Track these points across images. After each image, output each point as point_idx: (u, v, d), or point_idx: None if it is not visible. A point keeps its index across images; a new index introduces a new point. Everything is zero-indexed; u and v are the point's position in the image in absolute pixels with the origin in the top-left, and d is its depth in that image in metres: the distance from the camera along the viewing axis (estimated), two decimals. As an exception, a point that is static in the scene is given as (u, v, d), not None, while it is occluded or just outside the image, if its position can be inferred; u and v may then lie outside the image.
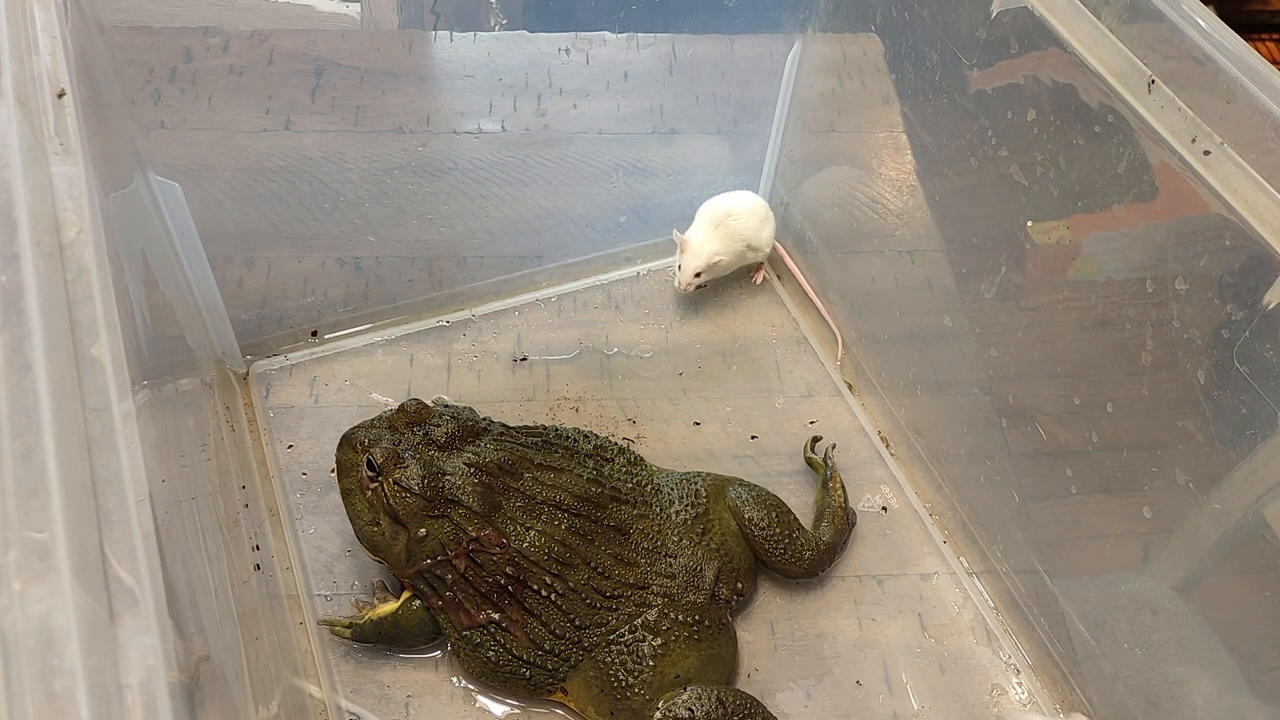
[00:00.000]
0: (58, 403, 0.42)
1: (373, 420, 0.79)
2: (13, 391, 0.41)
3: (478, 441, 0.78)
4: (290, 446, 0.92)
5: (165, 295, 0.82)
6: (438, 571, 0.75)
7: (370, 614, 0.79)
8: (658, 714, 0.74)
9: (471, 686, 0.79)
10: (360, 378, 0.97)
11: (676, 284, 1.02)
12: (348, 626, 0.79)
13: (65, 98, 0.55)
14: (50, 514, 0.39)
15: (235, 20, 0.82)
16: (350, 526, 0.78)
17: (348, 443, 0.78)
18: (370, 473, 0.75)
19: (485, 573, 0.75)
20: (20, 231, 0.46)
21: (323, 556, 0.85)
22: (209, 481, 0.79)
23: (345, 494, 0.78)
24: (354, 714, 0.78)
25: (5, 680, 0.35)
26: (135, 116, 0.78)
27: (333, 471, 0.81)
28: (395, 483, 0.74)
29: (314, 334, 1.00)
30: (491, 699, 0.79)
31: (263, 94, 0.86)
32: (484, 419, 0.81)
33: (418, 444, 0.76)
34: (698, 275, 1.01)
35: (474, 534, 0.74)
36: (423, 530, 0.74)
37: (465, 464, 0.76)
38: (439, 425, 0.77)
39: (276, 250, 0.96)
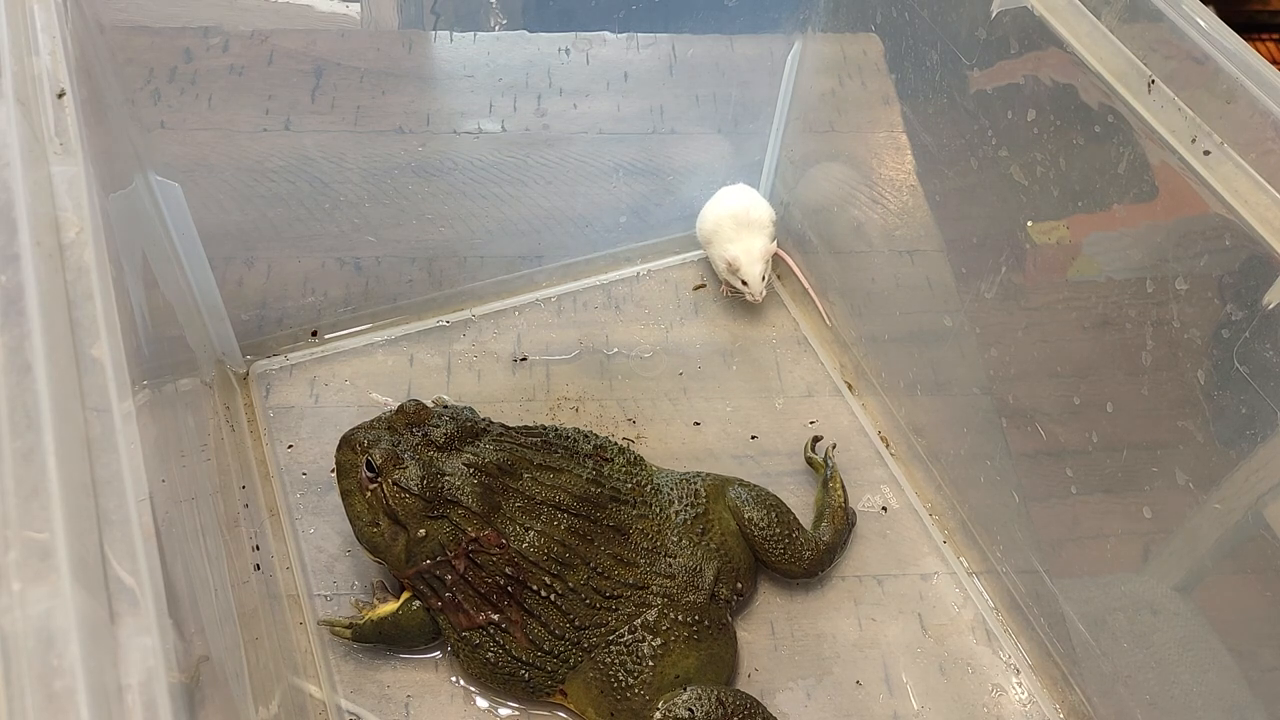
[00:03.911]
0: (58, 403, 0.42)
1: (372, 421, 0.79)
2: (13, 391, 0.41)
3: (477, 442, 0.78)
4: (290, 446, 0.92)
5: (165, 295, 0.82)
6: (437, 572, 0.75)
7: (370, 614, 0.79)
8: (658, 714, 0.74)
9: (471, 687, 0.79)
10: (360, 378, 0.97)
11: (753, 298, 1.01)
12: (348, 626, 0.79)
13: (65, 98, 0.55)
14: (50, 514, 0.39)
15: (235, 20, 0.82)
16: (350, 527, 0.78)
17: (347, 444, 0.78)
18: (369, 474, 0.75)
19: (484, 573, 0.75)
20: (20, 231, 0.46)
21: (323, 556, 0.85)
22: (209, 481, 0.79)
23: (345, 495, 0.78)
24: (354, 714, 0.78)
25: (5, 680, 0.35)
26: (135, 116, 0.78)
27: (333, 471, 0.81)
28: (394, 483, 0.74)
29: (314, 334, 1.00)
30: (491, 699, 0.79)
31: (263, 94, 0.86)
32: (483, 419, 0.81)
33: (417, 445, 0.76)
34: (763, 279, 1.01)
35: (473, 534, 0.74)
36: (422, 531, 0.74)
37: (464, 464, 0.76)
38: (438, 426, 0.77)
39: (276, 250, 0.96)
